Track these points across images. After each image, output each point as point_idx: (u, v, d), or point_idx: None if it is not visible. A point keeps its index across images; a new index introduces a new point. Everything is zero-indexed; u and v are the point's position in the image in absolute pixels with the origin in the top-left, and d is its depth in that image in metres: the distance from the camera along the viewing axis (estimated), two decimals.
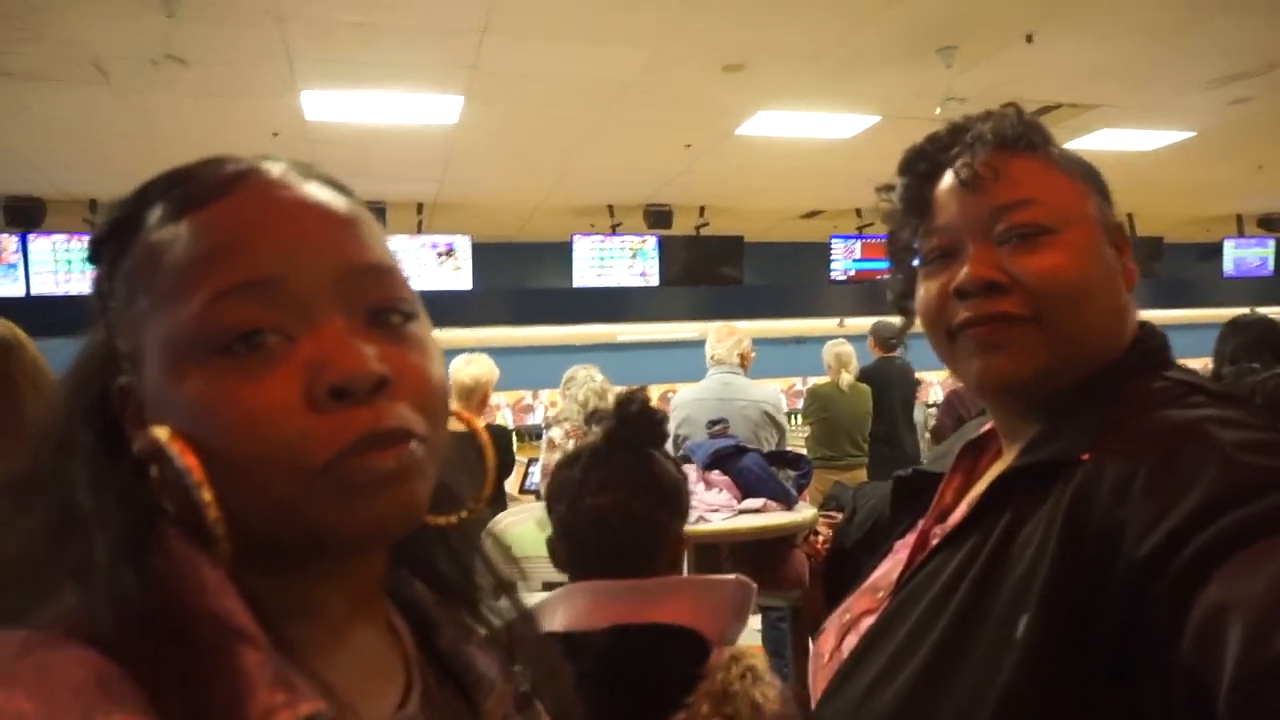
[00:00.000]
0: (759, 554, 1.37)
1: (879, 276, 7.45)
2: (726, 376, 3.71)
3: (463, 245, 6.64)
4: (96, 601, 0.39)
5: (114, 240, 0.47)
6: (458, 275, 6.62)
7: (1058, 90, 4.54)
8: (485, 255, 6.88)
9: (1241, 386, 2.34)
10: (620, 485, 1.07)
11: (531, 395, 11.07)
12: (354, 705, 0.45)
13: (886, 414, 5.26)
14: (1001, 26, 3.74)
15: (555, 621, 1.01)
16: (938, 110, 4.30)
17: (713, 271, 7.12)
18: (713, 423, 2.79)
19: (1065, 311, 0.73)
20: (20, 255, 5.87)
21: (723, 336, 3.84)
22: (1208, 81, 4.44)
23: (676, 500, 1.12)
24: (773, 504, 2.42)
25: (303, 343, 0.43)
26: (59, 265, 5.94)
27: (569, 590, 1.05)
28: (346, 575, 0.48)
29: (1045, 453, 0.71)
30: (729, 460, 2.46)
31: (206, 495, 0.41)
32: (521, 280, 8.12)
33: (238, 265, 0.43)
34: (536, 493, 3.97)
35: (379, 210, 5.95)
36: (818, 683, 0.85)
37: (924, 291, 0.81)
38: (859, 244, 7.41)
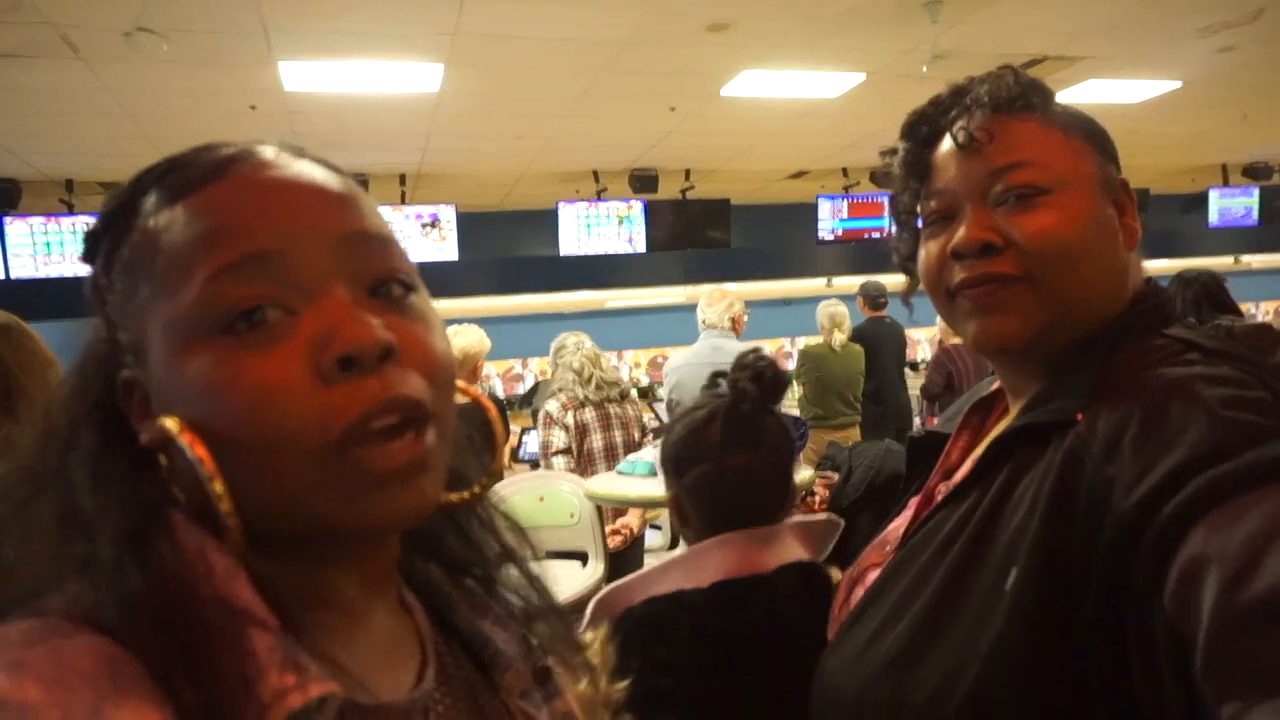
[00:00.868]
0: None
1: (866, 235, 7.45)
2: (718, 340, 3.71)
3: (447, 215, 6.59)
4: (101, 593, 0.39)
5: (110, 232, 0.47)
6: (443, 246, 6.58)
7: (1044, 43, 4.50)
8: (470, 225, 6.84)
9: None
10: (761, 444, 1.13)
11: (521, 364, 11.06)
12: (368, 685, 0.45)
13: (878, 373, 5.30)
14: None
15: (709, 573, 1.05)
16: (924, 68, 4.26)
17: (700, 235, 7.09)
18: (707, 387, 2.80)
19: (1059, 271, 0.74)
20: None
21: (714, 300, 3.83)
22: (1195, 31, 4.41)
23: (793, 452, 1.22)
24: None
25: (305, 316, 0.43)
26: (37, 248, 5.86)
27: (720, 541, 1.09)
28: (359, 560, 0.48)
29: (1043, 413, 0.72)
30: None
31: (219, 487, 0.41)
32: (508, 249, 8.07)
33: (236, 242, 0.43)
34: (532, 463, 3.98)
35: (362, 182, 5.87)
36: (828, 635, 0.88)
37: (924, 253, 0.83)
38: (846, 203, 7.39)
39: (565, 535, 3.29)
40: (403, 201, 6.65)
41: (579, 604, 3.44)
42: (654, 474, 2.82)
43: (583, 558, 3.34)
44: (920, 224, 0.85)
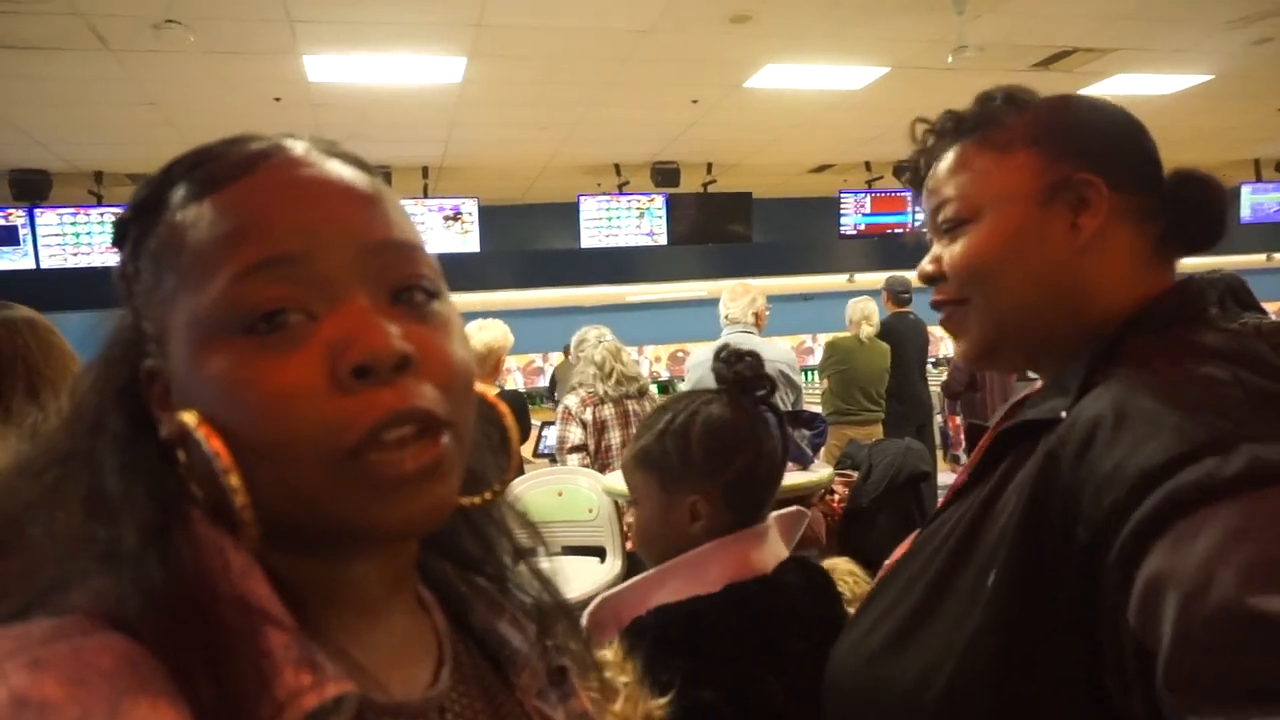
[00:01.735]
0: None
1: (889, 231, 7.40)
2: (740, 336, 3.68)
3: (470, 208, 6.61)
4: (123, 587, 0.39)
5: (138, 221, 0.47)
6: (466, 238, 6.59)
7: (1072, 35, 4.44)
8: (492, 218, 6.86)
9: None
10: (776, 434, 1.13)
11: (541, 358, 11.10)
12: (385, 684, 0.45)
13: (900, 369, 5.26)
14: None
15: (715, 578, 1.04)
16: (949, 59, 4.22)
17: (721, 229, 7.07)
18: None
19: (981, 290, 0.80)
20: (29, 229, 5.88)
21: (737, 295, 3.80)
22: (1228, 22, 4.33)
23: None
24: (789, 464, 2.42)
25: (325, 322, 0.42)
26: (66, 239, 5.95)
27: (718, 545, 1.07)
28: (379, 560, 0.48)
29: (1035, 411, 0.74)
30: None
31: (234, 481, 0.41)
32: (529, 242, 8.10)
33: (261, 243, 0.43)
34: (550, 457, 3.98)
35: (384, 175, 5.91)
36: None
37: None
38: (869, 198, 7.33)
39: (583, 531, 3.29)
40: (425, 194, 6.68)
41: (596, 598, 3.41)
42: None
43: (600, 553, 3.34)
44: None
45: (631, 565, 3.36)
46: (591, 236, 6.85)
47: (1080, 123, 0.81)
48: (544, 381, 10.42)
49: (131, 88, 4.41)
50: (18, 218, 5.87)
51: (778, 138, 6.32)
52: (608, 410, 3.59)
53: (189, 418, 0.42)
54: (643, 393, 3.70)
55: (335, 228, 0.44)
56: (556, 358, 9.62)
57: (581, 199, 6.80)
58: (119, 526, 0.41)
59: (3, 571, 0.42)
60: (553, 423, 3.80)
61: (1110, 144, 0.80)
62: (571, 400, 3.65)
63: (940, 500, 0.91)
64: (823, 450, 2.63)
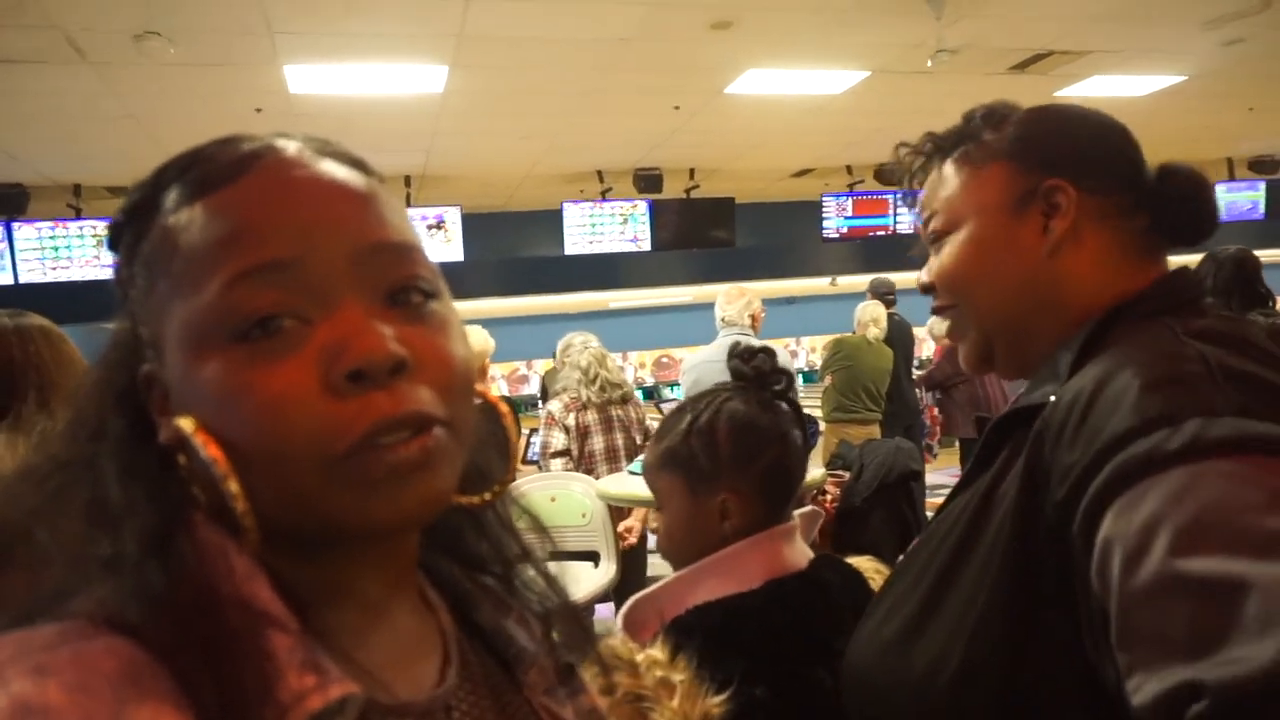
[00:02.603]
0: None
1: (871, 234, 7.44)
2: (737, 338, 3.69)
3: (452, 217, 6.60)
4: (126, 593, 0.39)
5: (131, 225, 0.46)
6: (449, 247, 6.58)
7: (1049, 37, 4.49)
8: (475, 226, 6.85)
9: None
10: (800, 426, 1.13)
11: (526, 365, 11.08)
12: (389, 685, 0.45)
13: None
14: None
15: (754, 575, 1.03)
16: (929, 63, 4.25)
17: (705, 234, 7.09)
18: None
19: (964, 295, 0.86)
20: (6, 244, 5.81)
21: (733, 298, 3.81)
22: (1202, 23, 4.39)
23: None
24: None
25: (320, 327, 0.42)
26: (45, 253, 5.88)
27: (752, 543, 1.06)
28: (378, 558, 0.47)
29: (1026, 397, 0.77)
30: None
31: (233, 486, 0.41)
32: (513, 250, 8.08)
33: (254, 248, 0.42)
34: (537, 464, 3.98)
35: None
36: None
37: None
38: (850, 201, 7.37)
39: (576, 536, 3.28)
40: (408, 203, 6.66)
41: (590, 604, 3.42)
42: None
43: (594, 558, 3.33)
44: None
45: (626, 569, 3.36)
46: (575, 243, 6.85)
47: (1050, 131, 0.84)
48: (529, 389, 10.39)
49: (110, 101, 4.37)
50: None
51: (759, 143, 6.35)
52: (591, 416, 3.60)
53: (186, 424, 0.41)
54: (626, 399, 3.71)
55: (329, 231, 0.43)
56: (541, 365, 9.61)
57: (565, 206, 6.80)
58: (121, 532, 0.41)
59: (6, 580, 0.42)
60: (539, 431, 3.80)
61: (1080, 149, 0.83)
62: (555, 405, 3.65)
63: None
64: (815, 452, 2.64)
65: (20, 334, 1.41)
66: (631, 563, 3.44)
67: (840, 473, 1.67)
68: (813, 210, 7.44)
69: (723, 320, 3.78)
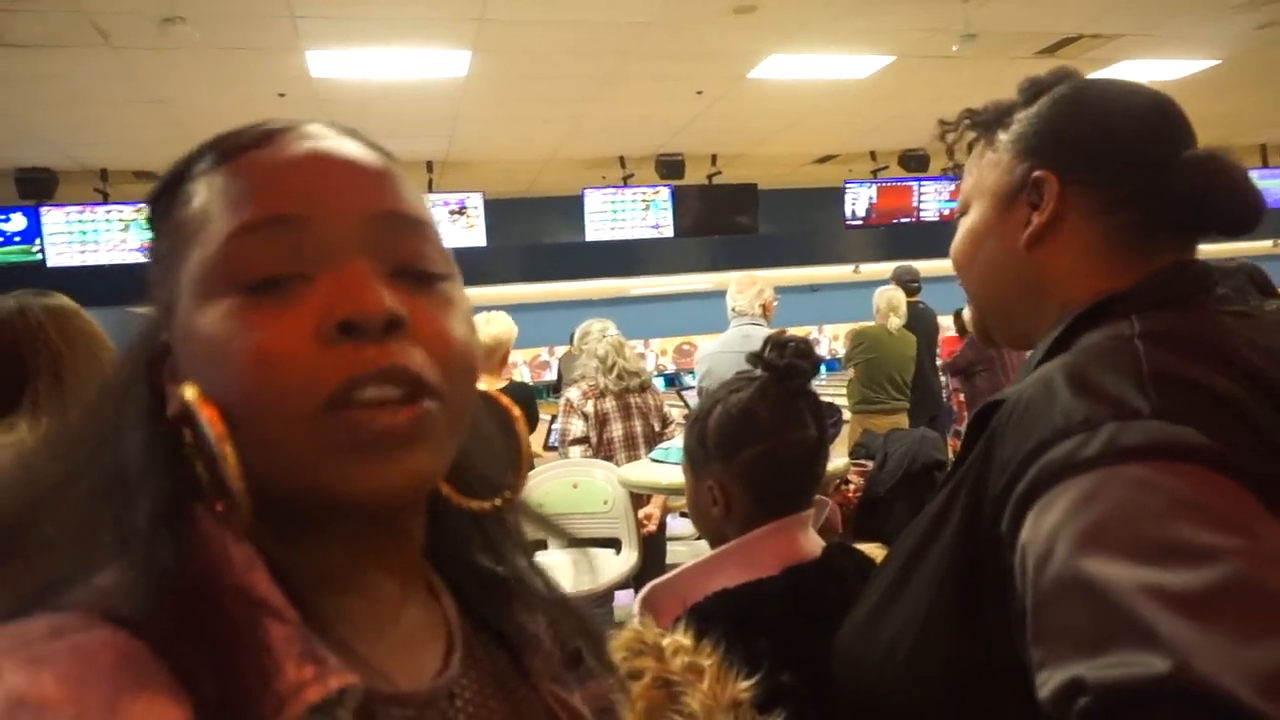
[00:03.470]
0: None
1: (894, 220, 7.38)
2: (748, 328, 3.66)
3: (475, 202, 6.60)
4: (133, 570, 0.39)
5: (163, 199, 0.48)
6: (471, 233, 6.58)
7: (1077, 21, 4.42)
8: (497, 212, 6.85)
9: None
10: (814, 421, 1.13)
11: (548, 352, 11.11)
12: (390, 675, 0.45)
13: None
14: None
15: (771, 562, 1.04)
16: (954, 47, 4.20)
17: (727, 221, 7.05)
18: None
19: (960, 276, 0.89)
20: (36, 228, 5.89)
21: (744, 287, 3.78)
22: (1234, 7, 4.30)
23: (827, 431, 1.22)
24: None
25: (319, 282, 0.42)
26: (73, 237, 5.95)
27: (774, 529, 1.07)
28: (379, 543, 0.47)
29: (1000, 394, 0.77)
30: None
31: (228, 453, 0.41)
32: (534, 236, 8.08)
33: (262, 204, 0.43)
34: (556, 449, 3.99)
35: None
36: None
37: None
38: (874, 188, 7.30)
39: (599, 523, 3.29)
40: (430, 189, 6.67)
41: (610, 591, 3.42)
42: None
43: (615, 545, 3.34)
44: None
45: (647, 556, 3.37)
46: (596, 229, 6.84)
47: (1049, 119, 0.83)
48: (550, 375, 10.41)
49: (134, 85, 4.41)
50: (20, 220, 5.89)
51: (782, 128, 6.31)
52: (609, 403, 3.60)
53: (190, 392, 0.42)
54: (644, 387, 3.71)
55: (340, 195, 0.44)
56: (562, 352, 9.63)
57: (586, 192, 6.79)
58: (134, 506, 0.41)
59: (16, 567, 0.41)
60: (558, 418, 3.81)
61: (1075, 141, 0.81)
62: (573, 393, 3.65)
63: None
64: (839, 441, 2.63)
65: (24, 314, 1.41)
66: (650, 550, 3.44)
67: (864, 462, 1.65)
68: (835, 197, 7.38)
69: (734, 310, 3.76)
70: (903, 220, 7.34)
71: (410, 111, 5.16)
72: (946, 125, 0.92)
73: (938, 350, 5.85)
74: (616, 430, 3.60)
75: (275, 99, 4.75)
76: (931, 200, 7.31)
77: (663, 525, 3.61)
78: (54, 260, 5.90)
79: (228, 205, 0.43)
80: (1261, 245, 9.92)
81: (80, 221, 5.95)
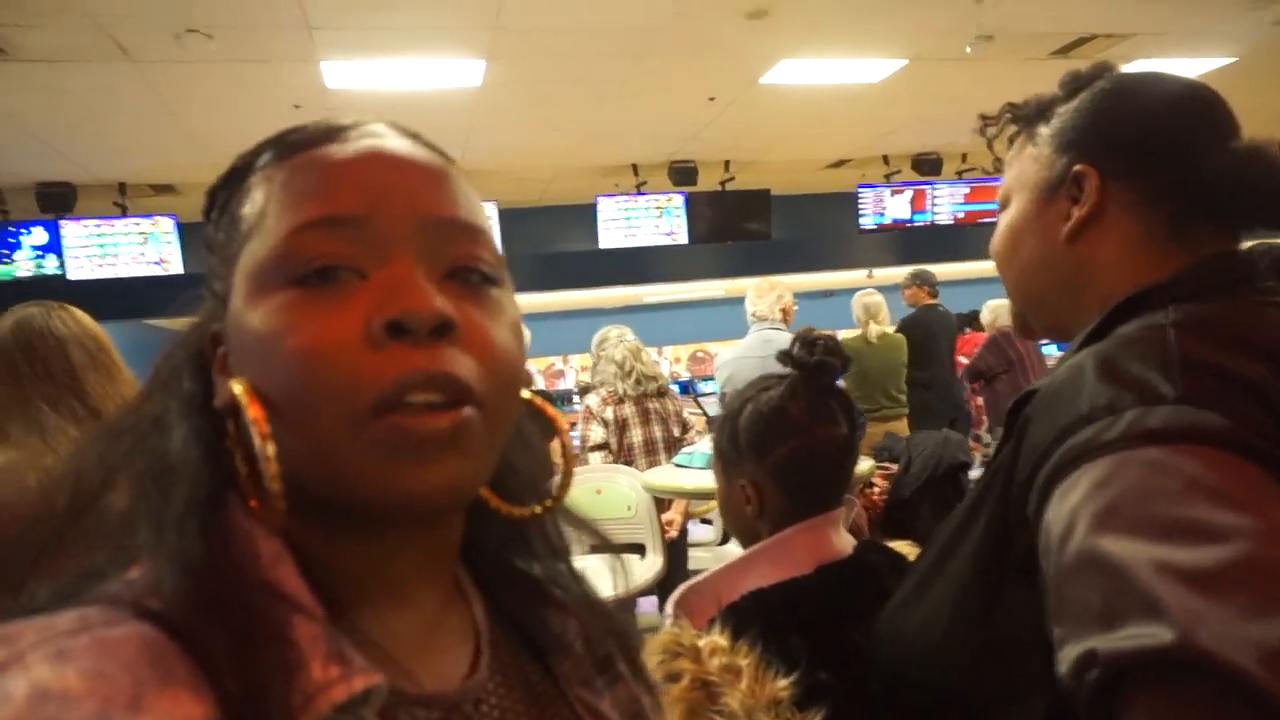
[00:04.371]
0: None
1: (909, 224, 7.35)
2: (768, 333, 3.65)
3: (488, 212, 6.59)
4: (163, 561, 0.39)
5: (226, 187, 0.49)
6: None
7: (1091, 21, 4.40)
8: (511, 221, 6.87)
9: None
10: (845, 417, 1.13)
11: (562, 360, 11.11)
12: (417, 675, 0.45)
13: (934, 360, 5.16)
14: None
15: (805, 560, 1.04)
16: (968, 49, 4.19)
17: (740, 227, 7.05)
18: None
19: (1000, 270, 0.90)
20: (55, 241, 5.95)
21: (763, 292, 3.77)
22: (1249, 3, 4.27)
23: (858, 428, 1.22)
24: None
25: (373, 280, 0.43)
26: (92, 250, 6.01)
27: (806, 528, 1.07)
28: (414, 544, 0.47)
29: (1034, 384, 0.78)
30: None
31: (269, 449, 0.41)
32: (547, 244, 8.10)
33: (324, 201, 0.43)
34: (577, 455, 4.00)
35: None
36: None
37: None
38: (887, 192, 7.28)
39: (622, 528, 3.28)
40: None
41: (634, 597, 3.41)
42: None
43: (639, 550, 3.34)
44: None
45: (671, 561, 3.36)
46: (610, 237, 6.85)
47: (1090, 113, 0.83)
48: (565, 384, 10.42)
49: (151, 97, 4.45)
50: (41, 234, 5.95)
51: (795, 133, 6.30)
52: (628, 409, 3.61)
53: (238, 387, 0.42)
54: (662, 392, 3.71)
55: (400, 197, 0.44)
56: (577, 360, 9.64)
57: (599, 200, 6.80)
58: (172, 493, 0.41)
59: (65, 555, 0.42)
60: (577, 426, 3.81)
61: (1116, 133, 0.81)
62: (592, 399, 3.66)
63: None
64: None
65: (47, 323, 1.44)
66: (672, 556, 3.44)
67: (888, 465, 1.64)
68: (849, 202, 7.36)
69: (754, 315, 3.75)
70: (916, 225, 7.31)
71: (424, 123, 5.00)
72: (988, 120, 0.92)
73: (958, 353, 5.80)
74: (636, 436, 3.60)
75: (291, 110, 4.79)
76: (945, 204, 7.29)
77: (684, 530, 3.59)
78: (74, 274, 5.97)
79: (290, 201, 0.44)
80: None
81: (99, 235, 6.01)
